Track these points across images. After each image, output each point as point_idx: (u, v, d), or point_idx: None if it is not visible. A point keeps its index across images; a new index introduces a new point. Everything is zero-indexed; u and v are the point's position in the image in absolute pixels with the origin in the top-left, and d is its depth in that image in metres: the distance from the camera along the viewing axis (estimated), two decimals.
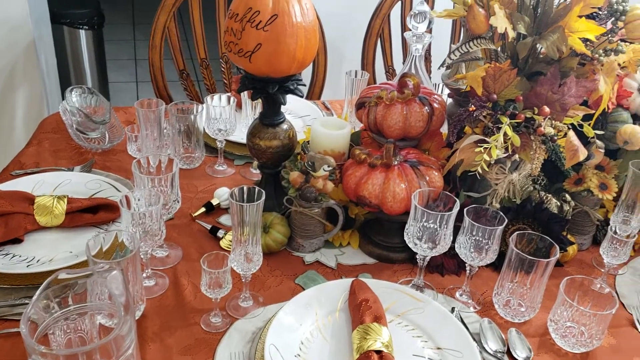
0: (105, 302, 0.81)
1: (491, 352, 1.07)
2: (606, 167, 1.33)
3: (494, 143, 1.08)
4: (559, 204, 1.31)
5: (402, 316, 1.11)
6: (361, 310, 1.05)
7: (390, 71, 2.23)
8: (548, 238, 1.13)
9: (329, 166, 1.19)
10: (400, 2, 2.14)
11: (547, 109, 1.12)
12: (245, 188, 1.06)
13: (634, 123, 1.29)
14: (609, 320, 1.06)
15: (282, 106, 1.24)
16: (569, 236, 1.33)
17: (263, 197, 1.02)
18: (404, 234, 1.15)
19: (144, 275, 1.16)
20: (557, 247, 1.10)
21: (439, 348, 1.05)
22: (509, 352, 1.08)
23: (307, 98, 2.09)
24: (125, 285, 0.79)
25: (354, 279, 1.14)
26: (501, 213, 1.13)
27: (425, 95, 1.32)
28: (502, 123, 1.12)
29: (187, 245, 1.28)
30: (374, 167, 1.21)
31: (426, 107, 1.30)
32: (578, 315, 1.07)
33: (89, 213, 1.26)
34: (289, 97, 1.26)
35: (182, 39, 2.01)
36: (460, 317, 1.13)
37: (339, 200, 1.32)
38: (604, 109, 1.27)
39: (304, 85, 1.24)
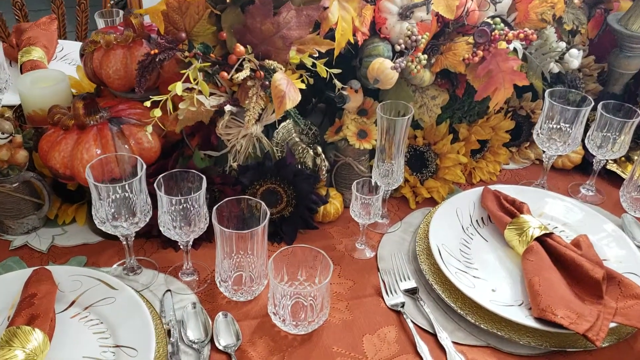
0: None
1: (187, 343, 0.90)
2: (369, 110, 1.14)
3: (168, 96, 0.87)
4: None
5: (90, 308, 0.93)
6: (17, 310, 0.87)
7: None
8: (259, 201, 0.94)
9: (3, 133, 0.98)
10: None
11: (240, 48, 0.91)
12: None
13: (395, 55, 1.09)
14: (324, 290, 0.89)
15: None
16: (332, 193, 1.15)
17: None
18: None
19: None
20: (267, 212, 0.92)
21: (117, 346, 0.87)
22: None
23: None
24: None
25: (36, 267, 0.96)
26: (203, 177, 0.93)
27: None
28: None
29: None
30: (67, 129, 1.00)
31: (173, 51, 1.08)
32: (293, 289, 0.91)
33: None
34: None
35: None
36: (159, 306, 0.96)
37: None
38: (355, 40, 1.07)
39: None
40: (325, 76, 1.01)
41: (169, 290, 0.99)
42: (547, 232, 1.04)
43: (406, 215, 1.19)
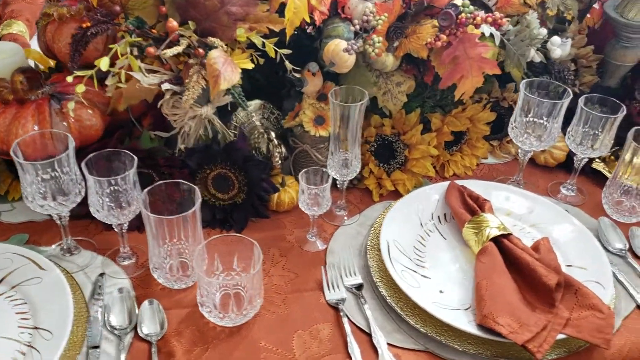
0: None
1: (109, 329, 0.87)
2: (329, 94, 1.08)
3: (92, 71, 0.83)
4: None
5: (17, 288, 0.91)
6: None
7: None
8: (192, 186, 0.90)
9: None
10: None
11: (173, 23, 0.86)
12: None
13: (356, 37, 1.03)
14: (253, 281, 0.84)
15: None
16: (289, 181, 1.10)
17: None
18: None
19: None
20: (199, 197, 0.88)
21: (35, 327, 0.85)
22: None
23: None
24: None
25: None
26: (135, 157, 0.90)
27: None
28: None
29: None
30: (7, 103, 0.98)
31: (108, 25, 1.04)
32: (217, 280, 0.87)
33: None
34: None
35: None
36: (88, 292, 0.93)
37: None
38: (312, 20, 1.01)
39: None
40: (272, 56, 0.95)
41: (103, 273, 0.96)
42: (506, 232, 0.96)
43: (367, 207, 1.13)
